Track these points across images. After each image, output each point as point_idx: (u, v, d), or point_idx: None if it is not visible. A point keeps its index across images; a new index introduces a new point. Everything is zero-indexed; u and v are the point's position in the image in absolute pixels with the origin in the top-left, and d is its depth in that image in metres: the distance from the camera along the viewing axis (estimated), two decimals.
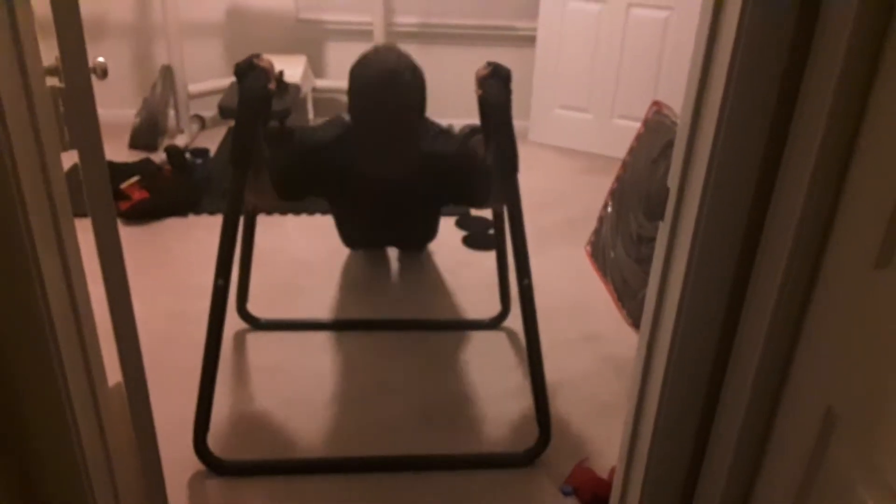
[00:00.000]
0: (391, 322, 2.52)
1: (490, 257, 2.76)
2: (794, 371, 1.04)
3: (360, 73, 1.94)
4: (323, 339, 2.42)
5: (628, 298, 2.59)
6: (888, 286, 0.82)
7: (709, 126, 1.03)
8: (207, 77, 4.03)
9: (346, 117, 2.09)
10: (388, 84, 1.89)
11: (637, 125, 2.87)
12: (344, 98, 2.02)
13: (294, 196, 2.29)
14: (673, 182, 1.14)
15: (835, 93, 0.88)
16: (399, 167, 2.03)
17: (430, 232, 2.78)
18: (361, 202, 2.31)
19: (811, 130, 0.93)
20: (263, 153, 2.00)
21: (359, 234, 2.74)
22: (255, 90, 1.86)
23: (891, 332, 0.81)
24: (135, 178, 3.25)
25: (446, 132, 2.26)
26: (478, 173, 2.13)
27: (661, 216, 1.19)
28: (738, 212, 1.06)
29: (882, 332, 0.83)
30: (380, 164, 2.02)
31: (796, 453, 1.01)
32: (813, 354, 0.99)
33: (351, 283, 2.74)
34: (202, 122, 4.21)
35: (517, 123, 1.94)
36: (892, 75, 0.83)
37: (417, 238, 2.82)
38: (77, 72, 1.03)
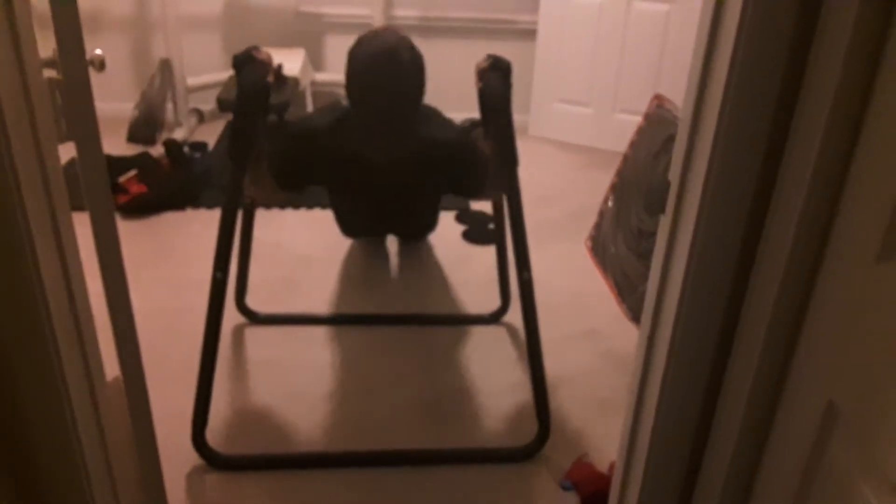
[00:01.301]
0: (390, 317, 2.51)
1: (490, 252, 2.76)
2: (796, 365, 1.03)
3: (359, 53, 1.95)
4: (322, 333, 2.41)
5: (628, 293, 2.59)
6: (891, 279, 0.82)
7: (710, 120, 1.02)
8: (206, 70, 4.02)
9: (344, 103, 2.09)
10: (387, 64, 1.90)
11: (638, 119, 2.86)
12: (343, 92, 2.01)
13: (293, 185, 2.24)
14: (674, 176, 1.13)
15: (838, 84, 0.87)
16: (397, 150, 2.03)
17: (430, 221, 2.77)
18: (360, 189, 2.31)
19: (814, 122, 0.92)
20: (263, 146, 1.99)
21: (357, 222, 2.73)
22: (253, 83, 1.84)
23: (893, 325, 0.81)
24: (133, 172, 3.24)
25: (447, 121, 2.25)
26: (476, 163, 2.12)
27: (662, 210, 1.19)
28: (739, 205, 1.05)
29: (884, 326, 0.82)
30: (377, 146, 2.02)
31: (797, 447, 1.01)
32: (814, 348, 0.99)
33: (350, 277, 2.74)
34: (201, 116, 4.20)
35: (517, 117, 1.93)
36: (895, 66, 0.83)
37: (416, 226, 2.81)
38: (75, 64, 1.02)
